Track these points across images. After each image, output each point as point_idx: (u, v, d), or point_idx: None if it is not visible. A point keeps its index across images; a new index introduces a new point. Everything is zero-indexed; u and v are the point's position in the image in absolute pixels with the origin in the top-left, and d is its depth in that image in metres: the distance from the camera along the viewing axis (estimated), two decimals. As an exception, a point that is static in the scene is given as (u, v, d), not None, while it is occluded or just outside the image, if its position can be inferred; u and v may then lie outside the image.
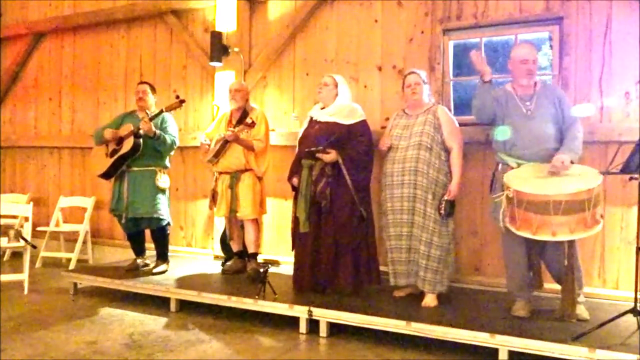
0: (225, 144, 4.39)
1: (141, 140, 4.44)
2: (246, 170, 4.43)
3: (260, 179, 4.52)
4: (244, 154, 4.40)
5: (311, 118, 4.16)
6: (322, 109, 4.12)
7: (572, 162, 3.22)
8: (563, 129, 3.38)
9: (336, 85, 4.09)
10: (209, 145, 4.47)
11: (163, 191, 4.64)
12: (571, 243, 3.21)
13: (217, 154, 4.43)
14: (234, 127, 4.30)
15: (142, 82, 4.84)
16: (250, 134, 4.36)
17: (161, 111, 4.51)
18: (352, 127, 3.94)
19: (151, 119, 4.44)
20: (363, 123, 4.00)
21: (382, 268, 4.11)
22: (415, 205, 3.66)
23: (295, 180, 4.05)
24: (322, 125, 3.99)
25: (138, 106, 4.73)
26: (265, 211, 4.66)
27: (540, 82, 3.52)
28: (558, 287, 3.47)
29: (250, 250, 4.52)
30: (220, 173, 4.53)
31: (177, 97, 4.50)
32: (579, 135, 3.33)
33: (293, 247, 4.10)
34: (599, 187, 3.05)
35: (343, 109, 4.02)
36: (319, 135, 3.92)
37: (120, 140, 4.53)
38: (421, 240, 3.64)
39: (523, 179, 3.26)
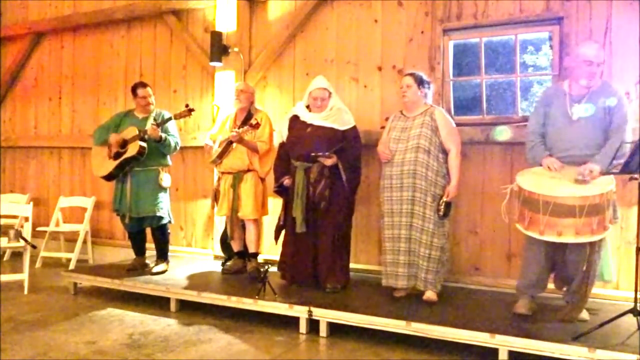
0: (229, 145, 4.40)
1: (146, 144, 4.46)
2: (249, 170, 4.44)
3: (262, 180, 4.52)
4: (247, 155, 4.41)
5: (296, 117, 4.18)
6: (307, 106, 4.17)
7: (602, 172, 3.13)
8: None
9: (330, 95, 4.15)
10: (212, 147, 4.48)
11: (165, 190, 4.66)
12: (592, 250, 3.13)
13: (221, 156, 4.44)
14: (239, 128, 4.30)
15: (143, 85, 4.71)
16: (255, 136, 4.37)
17: (170, 118, 4.53)
18: (347, 132, 4.09)
19: (159, 125, 4.45)
20: (355, 128, 4.16)
21: (372, 267, 4.32)
22: (414, 207, 3.66)
23: (287, 181, 4.11)
24: (317, 129, 4.05)
25: (143, 111, 4.70)
26: (267, 212, 4.66)
27: (598, 83, 3.33)
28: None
29: (251, 249, 4.53)
30: (223, 173, 4.54)
31: (187, 106, 4.51)
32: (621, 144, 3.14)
33: (276, 242, 4.30)
34: (595, 197, 2.97)
35: (336, 114, 4.10)
36: (318, 140, 3.99)
37: (124, 143, 4.54)
38: (421, 243, 3.64)
39: (536, 175, 3.24)
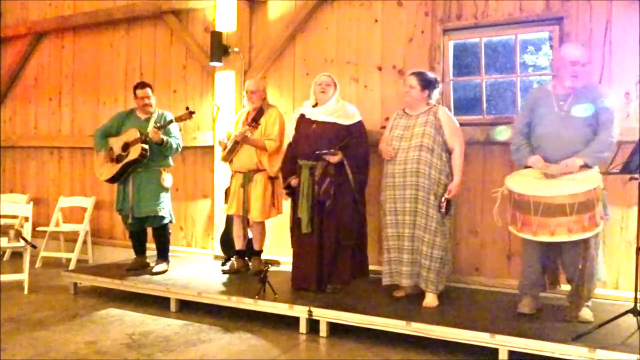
0: (237, 143, 4.40)
1: (148, 146, 4.45)
2: (259, 170, 4.43)
3: (273, 179, 4.48)
4: (256, 154, 4.40)
5: (303, 116, 4.14)
6: (313, 106, 4.13)
7: (588, 166, 3.17)
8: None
9: (335, 85, 4.11)
10: (225, 144, 4.46)
11: (167, 190, 4.67)
12: (586, 247, 3.15)
13: (230, 152, 4.44)
14: (243, 127, 4.31)
15: (142, 86, 4.71)
16: (264, 133, 4.36)
17: (171, 121, 4.53)
18: (352, 127, 4.00)
19: (160, 128, 4.45)
20: (361, 124, 4.06)
21: (372, 267, 4.25)
22: (417, 206, 3.65)
23: (294, 181, 4.06)
24: (321, 125, 4.00)
25: (143, 111, 4.70)
26: (281, 211, 4.57)
27: (582, 83, 3.38)
28: (566, 287, 3.49)
29: (256, 247, 4.57)
30: (235, 172, 4.55)
31: (187, 108, 4.50)
32: (608, 139, 3.21)
33: (292, 246, 4.16)
34: (584, 194, 2.99)
35: (340, 109, 4.04)
36: (322, 136, 3.93)
37: (125, 146, 4.54)
38: (423, 241, 3.63)
39: (524, 177, 3.26)
